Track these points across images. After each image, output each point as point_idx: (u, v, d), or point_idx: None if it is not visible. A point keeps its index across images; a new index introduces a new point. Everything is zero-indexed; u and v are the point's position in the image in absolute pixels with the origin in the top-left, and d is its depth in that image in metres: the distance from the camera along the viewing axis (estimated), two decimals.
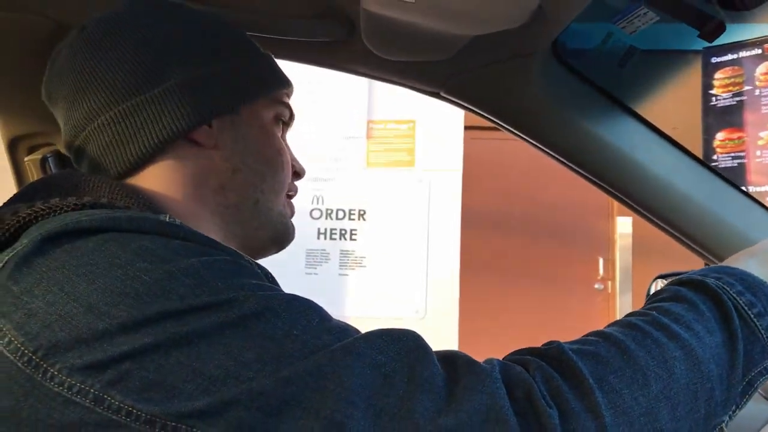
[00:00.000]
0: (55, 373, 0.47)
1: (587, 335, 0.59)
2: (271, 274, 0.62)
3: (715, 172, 1.07)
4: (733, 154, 3.34)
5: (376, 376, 0.49)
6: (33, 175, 1.06)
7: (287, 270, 3.05)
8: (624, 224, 5.10)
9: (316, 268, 3.11)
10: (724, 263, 0.72)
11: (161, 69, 0.70)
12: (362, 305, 3.05)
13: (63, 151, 1.09)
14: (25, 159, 1.09)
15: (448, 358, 0.53)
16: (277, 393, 0.47)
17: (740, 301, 0.62)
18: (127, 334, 0.47)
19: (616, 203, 5.21)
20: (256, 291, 0.52)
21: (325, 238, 3.12)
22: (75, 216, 0.56)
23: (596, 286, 5.16)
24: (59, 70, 0.74)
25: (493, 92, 1.03)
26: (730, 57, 3.36)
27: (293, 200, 0.85)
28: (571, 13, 0.84)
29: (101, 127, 0.70)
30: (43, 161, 1.07)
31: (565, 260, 5.15)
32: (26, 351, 0.48)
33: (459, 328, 3.03)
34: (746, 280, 0.65)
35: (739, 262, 0.71)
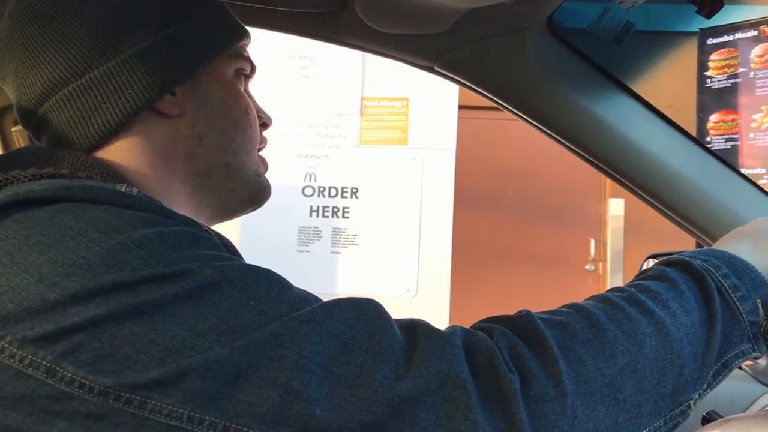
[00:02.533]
0: (6, 345, 0.46)
1: (562, 307, 0.59)
2: (231, 243, 0.61)
3: (710, 151, 1.07)
4: (726, 136, 3.34)
5: (335, 344, 0.49)
6: (20, 145, 1.04)
7: (279, 247, 3.04)
8: (616, 206, 5.11)
9: (308, 246, 3.11)
10: (715, 246, 0.72)
11: (115, 38, 0.67)
12: (354, 283, 3.05)
13: None
14: (12, 129, 1.08)
15: (408, 326, 0.53)
16: (233, 361, 0.46)
17: (724, 284, 0.62)
18: (79, 304, 0.47)
19: (608, 184, 5.24)
20: (211, 262, 0.51)
21: (318, 216, 3.11)
22: (29, 186, 0.55)
23: (587, 266, 5.19)
24: (4, 41, 0.70)
25: (488, 67, 1.02)
26: (726, 39, 3.35)
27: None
28: None
29: (60, 103, 0.67)
30: None
31: (557, 241, 5.17)
32: None
33: (450, 307, 3.04)
34: (733, 264, 0.65)
35: (729, 244, 0.71)
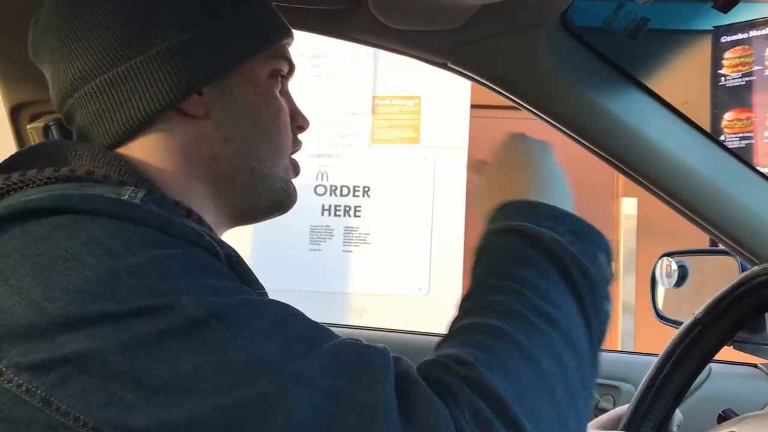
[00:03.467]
0: (4, 369, 0.46)
1: (476, 331, 0.55)
2: (235, 254, 0.59)
3: (726, 148, 1.06)
4: (740, 135, 3.31)
5: (329, 404, 0.46)
6: (34, 143, 1.05)
7: (291, 246, 3.05)
8: (629, 205, 5.08)
9: (320, 245, 3.11)
10: (533, 198, 0.66)
11: (145, 34, 0.66)
12: (366, 282, 3.05)
13: None
14: (28, 127, 1.08)
15: (401, 377, 0.50)
16: (219, 421, 0.45)
17: (578, 256, 0.59)
18: (67, 333, 0.46)
19: (621, 183, 5.20)
20: (203, 295, 0.49)
21: (330, 215, 3.12)
22: (27, 196, 0.54)
23: None
24: (43, 28, 0.70)
25: (501, 63, 1.02)
26: (740, 36, 3.33)
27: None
28: None
29: (88, 95, 0.67)
30: (46, 129, 1.06)
31: None
32: None
33: None
34: (570, 221, 0.63)
35: (544, 193, 0.67)
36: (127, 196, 0.55)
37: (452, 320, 0.59)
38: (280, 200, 0.76)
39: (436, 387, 0.50)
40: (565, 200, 0.69)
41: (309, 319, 0.54)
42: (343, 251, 3.10)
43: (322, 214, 3.11)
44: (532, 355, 0.53)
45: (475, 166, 0.77)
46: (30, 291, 0.47)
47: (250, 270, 0.60)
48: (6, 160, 0.64)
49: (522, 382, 0.51)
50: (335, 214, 3.11)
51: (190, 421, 0.44)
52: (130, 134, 0.67)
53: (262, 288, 0.61)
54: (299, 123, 0.79)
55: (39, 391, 0.45)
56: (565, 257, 0.59)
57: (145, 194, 0.57)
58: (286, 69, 0.77)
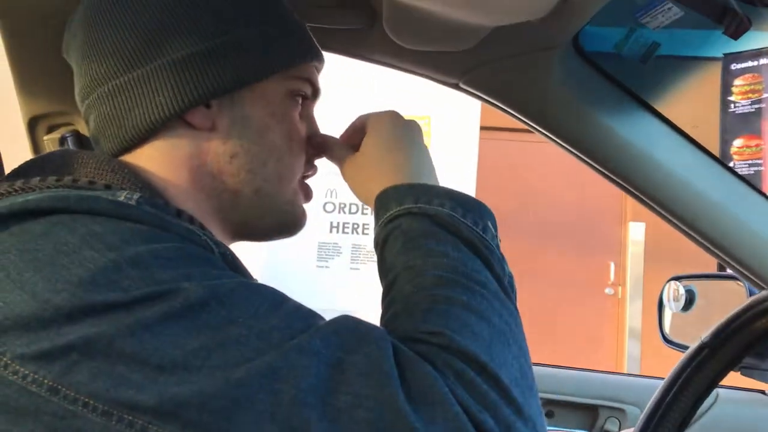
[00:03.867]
0: (8, 362, 0.47)
1: (427, 302, 0.58)
2: (230, 252, 0.60)
3: (735, 173, 1.06)
4: (749, 162, 3.31)
5: (333, 374, 0.48)
6: None
7: (298, 263, 3.05)
8: (636, 229, 5.08)
9: (327, 262, 3.12)
10: (408, 176, 0.71)
11: (159, 43, 0.67)
12: (373, 300, 3.05)
13: (82, 131, 1.10)
14: (44, 138, 1.10)
15: (395, 355, 0.52)
16: (229, 394, 0.46)
17: (472, 227, 0.65)
18: (72, 323, 0.47)
19: (629, 208, 5.20)
20: (201, 280, 0.51)
21: (338, 232, 3.12)
22: (25, 197, 0.55)
23: (607, 290, 5.15)
24: (74, 29, 0.72)
25: (513, 85, 1.03)
26: (750, 64, 3.34)
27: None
28: (595, 5, 0.84)
29: (102, 97, 0.69)
30: (62, 140, 1.07)
31: (577, 263, 5.14)
32: None
33: None
34: (454, 197, 0.67)
35: (420, 171, 0.72)
36: (123, 198, 0.57)
37: (390, 301, 0.62)
38: (285, 223, 0.76)
39: (419, 353, 0.53)
40: (435, 176, 0.75)
41: (301, 304, 0.56)
42: (351, 269, 3.10)
43: (330, 231, 3.12)
44: (483, 314, 0.57)
45: (340, 153, 0.79)
46: (32, 285, 0.48)
47: (245, 268, 0.61)
48: (16, 168, 0.65)
49: (486, 340, 0.55)
50: (343, 232, 3.12)
51: (201, 396, 0.45)
52: (138, 140, 0.68)
53: None
54: (317, 145, 0.79)
55: (46, 381, 0.46)
56: (464, 229, 0.64)
57: (140, 196, 0.58)
58: (308, 91, 0.77)
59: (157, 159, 0.68)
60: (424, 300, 0.58)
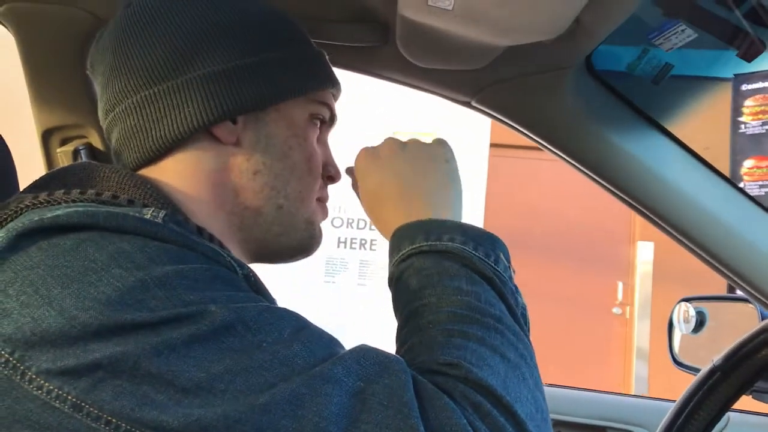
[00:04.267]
0: (33, 376, 0.47)
1: (444, 336, 0.59)
2: (253, 274, 0.61)
3: (746, 194, 1.06)
4: (760, 183, 3.30)
5: (354, 403, 0.49)
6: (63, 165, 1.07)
7: (306, 278, 3.05)
8: (645, 249, 5.05)
9: (334, 277, 3.11)
10: (424, 217, 0.71)
11: (189, 58, 0.68)
12: (380, 316, 3.04)
13: (95, 144, 1.11)
14: (58, 150, 1.11)
15: (415, 386, 0.53)
16: (253, 420, 0.46)
17: (485, 259, 0.66)
18: (99, 341, 0.47)
19: (638, 227, 5.17)
20: (227, 303, 0.51)
21: (345, 247, 3.13)
22: (55, 211, 0.55)
23: (614, 310, 5.12)
24: (102, 45, 0.73)
25: (525, 104, 1.03)
26: (761, 85, 3.33)
27: None
28: (609, 27, 0.84)
29: (126, 111, 0.69)
30: (75, 153, 1.08)
31: (584, 282, 5.11)
32: (3, 352, 0.47)
33: None
34: (466, 231, 0.68)
35: (430, 204, 0.73)
36: (149, 216, 0.57)
37: (405, 336, 0.62)
38: (304, 242, 0.77)
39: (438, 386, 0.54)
40: (452, 201, 0.76)
41: (322, 329, 0.56)
42: (358, 284, 3.10)
43: (338, 247, 3.12)
44: (498, 349, 0.58)
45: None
46: (60, 301, 0.48)
47: (267, 290, 0.62)
48: (36, 180, 0.65)
49: (501, 374, 0.56)
50: (351, 247, 3.12)
51: (225, 420, 0.46)
52: (163, 152, 0.69)
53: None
54: (330, 173, 0.80)
55: (70, 397, 0.46)
56: (476, 262, 0.64)
57: (166, 214, 0.58)
58: (326, 116, 0.78)
59: (180, 172, 0.69)
60: (441, 334, 0.59)
